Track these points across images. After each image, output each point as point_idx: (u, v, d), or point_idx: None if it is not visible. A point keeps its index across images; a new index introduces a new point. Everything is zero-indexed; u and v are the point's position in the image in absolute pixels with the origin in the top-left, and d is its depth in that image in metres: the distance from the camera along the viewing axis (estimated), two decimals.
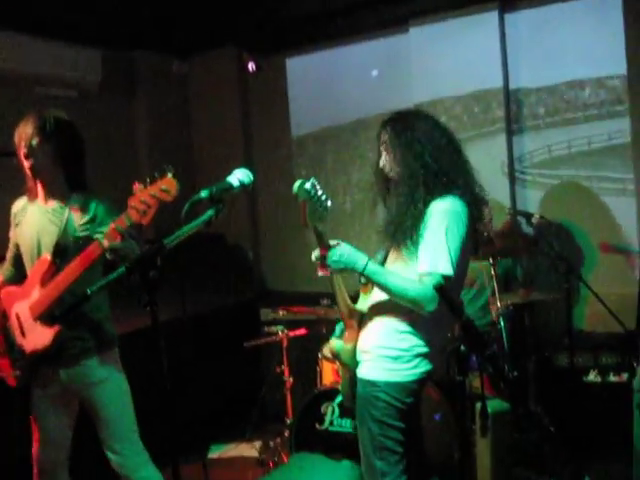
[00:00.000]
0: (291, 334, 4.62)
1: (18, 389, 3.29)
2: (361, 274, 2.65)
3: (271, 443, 4.74)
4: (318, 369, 4.48)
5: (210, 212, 2.11)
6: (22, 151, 3.09)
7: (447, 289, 2.17)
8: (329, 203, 2.61)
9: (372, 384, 2.74)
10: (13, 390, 3.30)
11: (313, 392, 4.27)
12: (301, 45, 6.09)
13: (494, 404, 2.93)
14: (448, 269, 2.56)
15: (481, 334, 1.97)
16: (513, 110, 5.16)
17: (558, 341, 4.60)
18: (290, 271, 6.14)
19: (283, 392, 4.63)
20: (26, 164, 3.10)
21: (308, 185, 2.56)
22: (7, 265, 3.42)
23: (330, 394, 4.04)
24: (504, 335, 3.92)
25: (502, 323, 3.83)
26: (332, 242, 2.67)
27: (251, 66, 6.12)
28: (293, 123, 6.26)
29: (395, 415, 2.73)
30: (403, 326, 2.72)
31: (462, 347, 2.03)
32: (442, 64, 5.30)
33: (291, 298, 5.55)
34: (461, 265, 2.65)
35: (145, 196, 2.60)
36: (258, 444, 4.94)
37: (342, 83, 5.90)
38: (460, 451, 2.68)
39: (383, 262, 2.81)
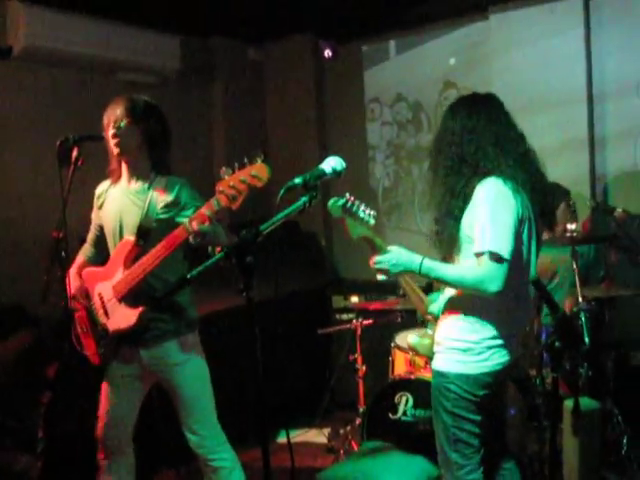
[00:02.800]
0: (365, 323, 4.60)
1: (96, 367, 3.37)
2: (419, 274, 2.66)
3: (341, 430, 4.74)
4: (390, 358, 4.46)
5: (304, 199, 2.12)
6: (110, 131, 3.15)
7: (541, 284, 2.12)
8: (372, 212, 2.69)
9: (442, 375, 2.75)
10: (80, 367, 3.38)
11: (387, 381, 4.26)
12: (378, 33, 6.05)
13: (584, 402, 2.86)
14: (495, 247, 2.53)
15: (577, 330, 1.92)
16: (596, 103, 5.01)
17: (637, 339, 4.50)
18: (363, 259, 6.09)
19: (355, 380, 4.62)
20: (113, 143, 3.16)
21: (341, 202, 2.61)
22: (88, 246, 3.50)
23: (404, 384, 4.01)
24: (585, 330, 3.82)
25: (583, 318, 3.73)
26: (388, 247, 2.71)
27: (327, 53, 6.13)
28: (369, 110, 6.22)
29: (467, 407, 2.71)
30: (473, 319, 2.70)
31: (557, 343, 1.97)
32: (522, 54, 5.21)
33: (364, 286, 5.55)
34: (516, 247, 2.59)
35: (235, 181, 2.62)
36: (327, 431, 4.95)
37: (420, 73, 5.85)
38: (550, 454, 2.63)
39: None
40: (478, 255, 2.56)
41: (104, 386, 3.40)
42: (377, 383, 4.48)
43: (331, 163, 2.30)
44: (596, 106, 4.99)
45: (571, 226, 3.96)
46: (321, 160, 6.28)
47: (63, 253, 3.00)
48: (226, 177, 2.63)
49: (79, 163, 3.11)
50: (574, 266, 3.93)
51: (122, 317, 3.14)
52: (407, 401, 3.97)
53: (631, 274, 4.51)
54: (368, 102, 6.24)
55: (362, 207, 2.63)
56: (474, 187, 2.62)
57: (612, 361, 4.30)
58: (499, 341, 2.68)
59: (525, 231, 2.66)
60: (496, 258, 2.51)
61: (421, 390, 3.84)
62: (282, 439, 4.80)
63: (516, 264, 2.59)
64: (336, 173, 2.29)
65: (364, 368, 4.59)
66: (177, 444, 3.48)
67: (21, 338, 4.42)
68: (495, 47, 5.37)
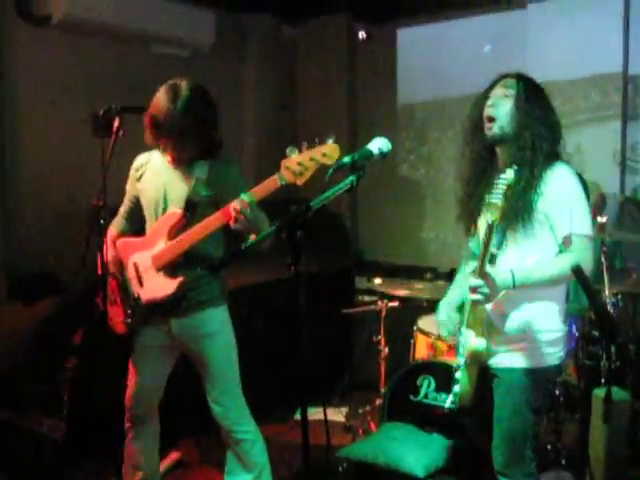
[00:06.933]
0: (390, 304, 4.62)
1: (121, 336, 3.42)
2: (513, 288, 2.57)
3: (360, 410, 4.78)
4: (412, 341, 4.50)
5: (352, 178, 2.15)
6: (156, 117, 3.13)
7: (582, 272, 2.13)
8: None
9: (534, 372, 2.68)
10: (111, 335, 3.40)
11: (410, 363, 4.31)
12: (413, 16, 6.02)
13: (615, 392, 2.88)
14: (586, 229, 2.55)
15: (614, 320, 1.93)
16: (631, 96, 4.97)
17: None
18: (388, 242, 6.17)
19: (374, 361, 4.67)
20: (158, 128, 3.15)
21: None
22: (120, 219, 3.50)
23: (427, 367, 4.05)
24: None
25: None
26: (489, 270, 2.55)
27: (361, 34, 6.11)
28: (400, 94, 6.21)
29: (546, 399, 2.77)
30: (557, 306, 2.71)
31: (594, 332, 2.00)
32: (559, 44, 5.17)
33: (388, 269, 5.58)
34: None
35: (304, 159, 2.63)
36: (345, 410, 4.99)
37: (453, 57, 5.80)
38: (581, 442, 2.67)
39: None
40: (569, 237, 2.56)
41: (133, 356, 3.44)
42: (396, 365, 4.53)
43: (378, 144, 2.31)
44: (631, 88, 4.97)
45: (601, 219, 3.96)
46: (351, 140, 6.29)
47: (102, 221, 3.02)
48: (293, 155, 2.64)
49: (120, 134, 3.12)
50: (602, 259, 3.93)
51: (159, 286, 3.18)
52: (429, 384, 4.01)
53: None
54: None
55: None
56: (548, 170, 2.61)
57: (634, 355, 4.31)
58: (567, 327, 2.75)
59: None
60: (588, 239, 2.55)
61: (443, 374, 3.87)
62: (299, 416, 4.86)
63: None
64: (382, 154, 2.31)
65: (387, 350, 4.62)
66: (198, 414, 3.54)
67: (48, 304, 4.49)
68: (530, 31, 5.33)
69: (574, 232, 2.55)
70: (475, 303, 2.59)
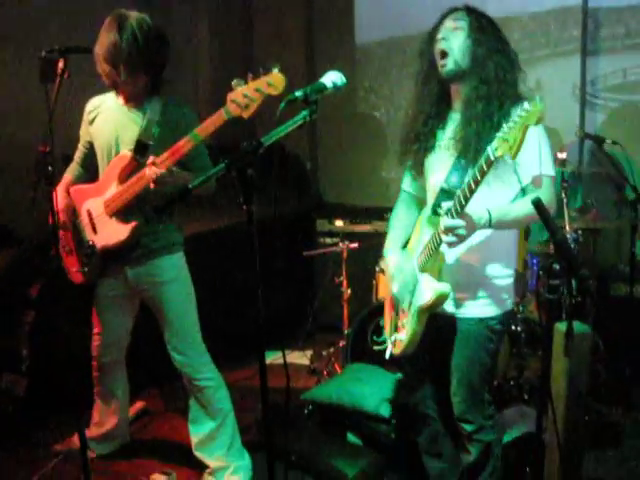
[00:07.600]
0: (351, 246, 4.59)
1: (82, 286, 3.36)
2: (489, 227, 2.47)
3: (324, 353, 4.79)
4: (374, 282, 4.49)
5: (304, 113, 2.06)
6: (105, 59, 3.01)
7: (542, 204, 2.09)
8: None
9: (491, 319, 2.66)
10: (75, 286, 3.37)
11: (372, 304, 4.29)
12: None
13: (576, 326, 2.89)
14: (552, 170, 2.53)
15: (575, 254, 1.91)
16: (590, 30, 4.92)
17: (618, 270, 4.55)
18: (347, 184, 6.12)
19: (338, 303, 4.65)
20: (108, 71, 3.03)
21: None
22: (75, 165, 3.43)
23: None
24: None
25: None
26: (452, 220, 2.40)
27: None
28: (358, 31, 6.08)
29: (501, 341, 2.76)
30: (507, 251, 2.68)
31: (555, 265, 1.98)
32: None
33: (348, 211, 5.55)
34: None
35: (249, 90, 2.54)
36: (309, 353, 4.99)
37: None
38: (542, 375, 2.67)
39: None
40: (539, 177, 2.50)
41: (95, 307, 3.42)
42: (359, 306, 4.52)
43: (332, 77, 2.21)
44: (591, 22, 4.90)
45: (561, 155, 3.94)
46: (309, 80, 6.17)
47: (50, 168, 2.90)
48: (239, 88, 2.54)
49: (65, 76, 2.97)
50: (562, 195, 3.93)
51: (113, 232, 3.11)
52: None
53: (607, 208, 4.54)
54: None
55: None
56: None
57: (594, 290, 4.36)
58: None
59: None
60: (553, 179, 2.54)
61: None
62: (266, 360, 4.84)
63: None
64: (336, 88, 2.21)
65: (349, 291, 4.61)
66: (160, 363, 3.50)
67: (3, 257, 4.38)
68: None
69: (543, 172, 2.50)
70: (443, 245, 2.48)
